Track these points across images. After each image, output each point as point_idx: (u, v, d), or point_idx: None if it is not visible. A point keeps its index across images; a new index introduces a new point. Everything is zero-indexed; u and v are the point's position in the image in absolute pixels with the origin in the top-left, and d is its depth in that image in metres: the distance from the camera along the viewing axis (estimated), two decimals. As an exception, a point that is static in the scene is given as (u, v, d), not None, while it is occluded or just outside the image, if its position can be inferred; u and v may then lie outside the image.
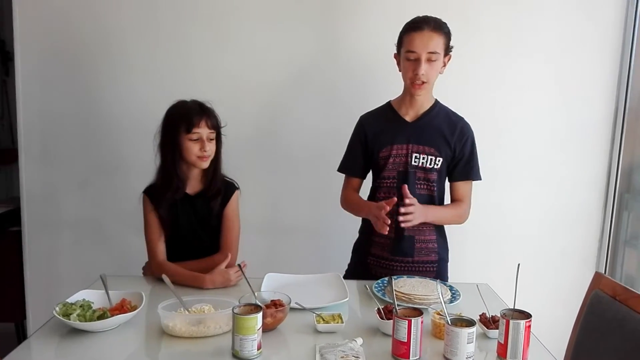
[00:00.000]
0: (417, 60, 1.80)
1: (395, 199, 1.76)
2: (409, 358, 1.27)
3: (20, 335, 2.80)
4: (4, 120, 4.34)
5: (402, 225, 1.75)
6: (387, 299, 1.62)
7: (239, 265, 1.70)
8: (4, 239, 2.70)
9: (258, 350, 1.28)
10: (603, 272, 2.56)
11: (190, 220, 1.88)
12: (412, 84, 1.83)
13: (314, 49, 2.46)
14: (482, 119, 2.42)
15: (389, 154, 1.90)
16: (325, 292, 1.69)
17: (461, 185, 1.96)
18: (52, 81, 2.46)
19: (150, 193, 1.87)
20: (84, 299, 1.48)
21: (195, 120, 1.79)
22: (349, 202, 2.01)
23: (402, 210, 1.73)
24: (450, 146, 1.91)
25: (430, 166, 1.90)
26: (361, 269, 1.98)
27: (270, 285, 1.71)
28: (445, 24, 1.84)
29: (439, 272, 1.96)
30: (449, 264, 2.02)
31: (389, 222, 1.73)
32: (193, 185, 1.89)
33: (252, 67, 2.45)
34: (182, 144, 1.80)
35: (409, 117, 1.93)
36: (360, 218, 2.02)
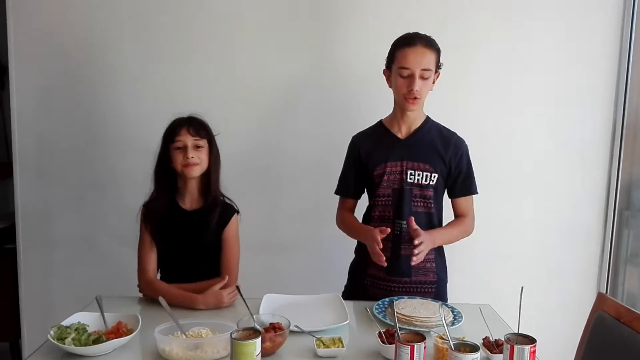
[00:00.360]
0: (411, 77, 1.79)
1: (389, 230, 1.75)
2: (411, 384, 1.24)
3: (15, 355, 2.75)
4: None
5: (414, 263, 1.72)
6: (388, 321, 1.59)
7: (237, 287, 1.67)
8: (-2, 256, 2.67)
9: (257, 376, 1.25)
10: (604, 290, 2.54)
11: (185, 235, 1.84)
12: (406, 99, 1.82)
13: (309, 65, 2.46)
14: (479, 135, 2.43)
15: (383, 171, 1.89)
16: (325, 313, 1.66)
17: (463, 201, 1.95)
18: (46, 96, 2.45)
19: (147, 207, 1.87)
20: (79, 322, 1.45)
21: (177, 129, 1.80)
22: (344, 223, 2.00)
23: (415, 251, 1.70)
24: (445, 162, 1.89)
25: (426, 183, 1.88)
26: (358, 290, 1.95)
27: (269, 307, 1.68)
28: (434, 41, 1.84)
29: (437, 292, 1.93)
30: (448, 284, 1.99)
31: (384, 258, 1.73)
32: (191, 202, 1.87)
33: (246, 82, 2.45)
34: (170, 155, 1.81)
35: (401, 134, 1.92)
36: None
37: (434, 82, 1.86)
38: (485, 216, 2.48)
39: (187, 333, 1.44)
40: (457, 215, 1.97)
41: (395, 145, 1.90)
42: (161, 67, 2.44)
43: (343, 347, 1.41)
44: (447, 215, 1.99)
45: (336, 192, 2.03)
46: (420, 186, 1.88)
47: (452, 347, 1.26)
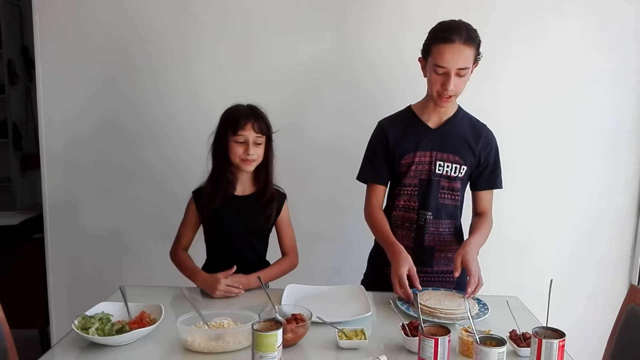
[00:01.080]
0: (447, 75, 1.71)
1: (415, 274, 1.68)
2: (435, 378, 1.22)
3: (44, 342, 2.82)
4: (28, 126, 4.41)
5: (469, 296, 1.65)
6: (411, 313, 1.57)
7: (259, 278, 1.66)
8: (27, 245, 2.72)
9: (279, 367, 1.24)
10: (637, 282, 2.47)
11: (237, 220, 1.86)
12: (440, 96, 1.76)
13: (333, 53, 2.42)
14: (509, 124, 2.38)
15: (411, 160, 1.84)
16: (348, 305, 1.64)
17: (485, 195, 1.91)
18: (73, 89, 2.48)
19: (198, 194, 1.89)
20: (103, 312, 1.46)
21: (242, 123, 1.79)
22: (373, 223, 1.89)
23: (471, 290, 1.65)
24: (475, 154, 1.85)
25: (455, 175, 1.84)
26: (378, 279, 1.90)
27: (291, 298, 1.67)
28: (476, 32, 1.73)
29: (459, 281, 1.87)
30: None
31: (409, 295, 1.64)
32: (243, 188, 1.89)
33: (270, 72, 2.43)
34: (228, 146, 1.81)
35: (432, 123, 1.86)
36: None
37: (471, 73, 1.77)
38: (515, 208, 2.45)
39: (209, 323, 1.44)
40: (477, 209, 1.92)
41: (426, 135, 1.84)
42: (185, 61, 2.43)
43: (365, 339, 1.39)
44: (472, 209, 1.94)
45: (363, 180, 1.93)
46: (448, 178, 1.84)
47: (478, 340, 1.22)
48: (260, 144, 1.82)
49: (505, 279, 2.33)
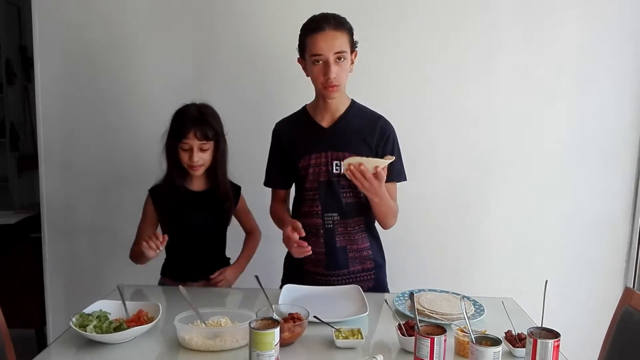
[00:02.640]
0: (326, 63, 1.68)
1: (301, 229, 1.67)
2: (431, 377, 1.22)
3: (40, 341, 2.81)
4: (26, 126, 4.41)
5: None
6: (407, 313, 1.58)
7: (256, 277, 1.67)
8: (24, 245, 2.72)
9: (276, 366, 1.25)
10: (632, 285, 2.48)
11: (194, 215, 1.90)
12: (325, 87, 1.71)
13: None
14: (505, 126, 2.39)
15: (307, 163, 1.80)
16: (344, 305, 1.65)
17: (389, 187, 1.78)
18: (72, 88, 2.48)
19: (154, 192, 1.92)
20: (100, 310, 1.46)
21: (185, 131, 1.80)
22: (273, 215, 1.94)
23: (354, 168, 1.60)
24: (372, 147, 1.79)
25: None
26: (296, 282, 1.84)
27: (288, 298, 1.68)
28: (345, 19, 1.72)
29: (377, 278, 1.88)
30: (386, 268, 1.93)
31: (307, 247, 1.65)
32: (199, 184, 1.92)
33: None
34: (176, 151, 1.84)
35: (325, 123, 1.82)
36: None
37: (352, 63, 1.75)
38: (510, 210, 2.46)
39: (206, 322, 1.45)
40: None
41: (319, 135, 1.80)
42: (185, 61, 2.44)
43: (362, 338, 1.40)
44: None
45: (265, 184, 1.95)
46: (347, 177, 1.70)
47: (474, 340, 1.23)
48: (206, 149, 1.84)
49: (500, 281, 2.36)
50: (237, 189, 2.00)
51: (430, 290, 1.73)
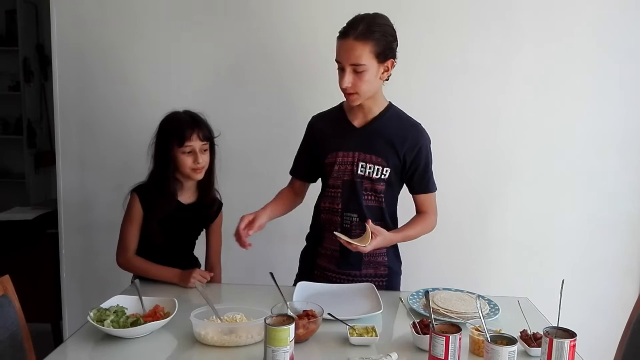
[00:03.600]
0: (343, 70, 1.64)
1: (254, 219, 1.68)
2: (445, 375, 1.22)
3: (57, 336, 2.85)
4: (42, 124, 4.47)
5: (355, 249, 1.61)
6: (422, 311, 1.58)
7: (271, 274, 1.67)
8: (41, 241, 2.75)
9: (290, 362, 1.25)
10: (648, 285, 2.46)
11: (180, 228, 1.91)
12: (343, 93, 1.69)
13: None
14: (520, 127, 2.37)
15: (334, 160, 1.78)
16: (359, 303, 1.65)
17: (422, 198, 1.83)
18: (88, 86, 2.50)
19: (142, 194, 1.88)
20: (117, 305, 1.48)
21: (187, 134, 1.80)
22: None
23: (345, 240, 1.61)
24: (399, 157, 1.75)
25: (377, 176, 1.75)
26: (307, 280, 1.84)
27: (302, 295, 1.68)
28: (379, 26, 1.61)
29: (389, 285, 1.86)
30: (402, 276, 1.92)
31: (247, 242, 1.65)
32: (188, 195, 1.91)
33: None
34: (176, 158, 1.82)
35: (357, 122, 1.78)
36: (309, 225, 1.94)
37: (387, 71, 1.67)
38: (526, 210, 2.45)
39: (222, 318, 1.46)
40: (418, 210, 1.86)
41: (349, 134, 1.78)
42: (204, 60, 2.45)
43: (376, 336, 1.40)
44: (406, 208, 1.91)
45: (290, 172, 1.94)
46: (371, 180, 1.75)
47: (489, 339, 1.23)
48: (206, 150, 1.84)
49: (516, 281, 2.34)
50: (219, 203, 1.98)
51: (444, 289, 1.73)
